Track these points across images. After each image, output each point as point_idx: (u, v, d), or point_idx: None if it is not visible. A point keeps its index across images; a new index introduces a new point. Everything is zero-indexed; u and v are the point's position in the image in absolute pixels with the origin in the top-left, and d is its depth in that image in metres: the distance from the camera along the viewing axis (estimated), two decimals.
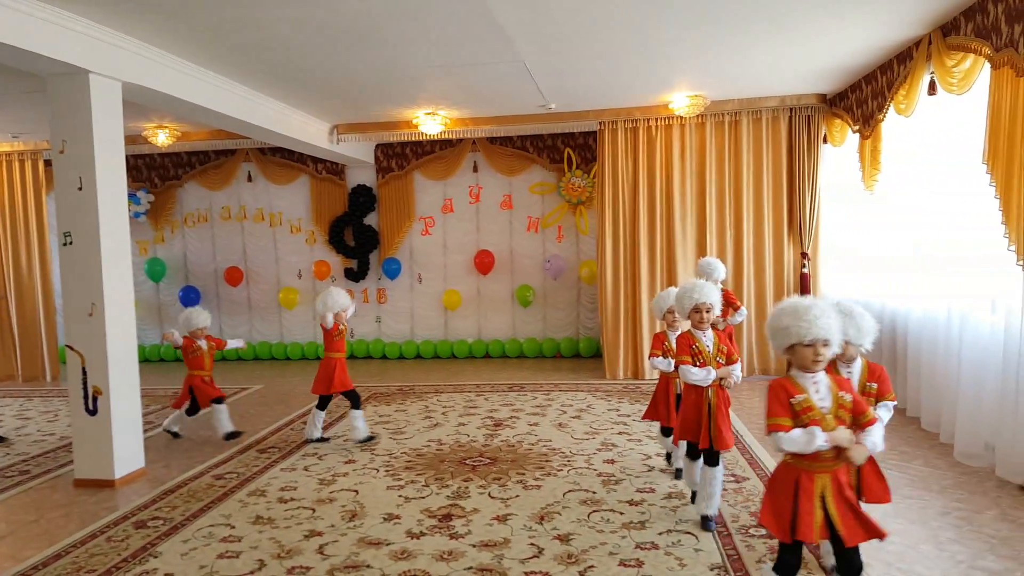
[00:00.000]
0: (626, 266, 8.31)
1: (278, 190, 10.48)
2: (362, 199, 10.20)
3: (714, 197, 8.14)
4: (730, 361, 3.92)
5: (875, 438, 2.63)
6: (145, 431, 5.70)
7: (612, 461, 5.17)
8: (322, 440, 5.91)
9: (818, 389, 2.65)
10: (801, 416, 2.61)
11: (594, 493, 4.53)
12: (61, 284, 5.14)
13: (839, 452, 2.60)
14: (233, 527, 4.17)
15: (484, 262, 9.91)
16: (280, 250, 10.60)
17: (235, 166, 10.43)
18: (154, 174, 10.54)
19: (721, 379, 3.86)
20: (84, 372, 5.00)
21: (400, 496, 4.58)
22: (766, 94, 7.70)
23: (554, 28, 5.24)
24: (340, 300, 5.72)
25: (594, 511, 4.23)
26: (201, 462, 5.50)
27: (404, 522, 4.15)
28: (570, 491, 4.58)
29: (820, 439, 2.55)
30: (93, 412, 4.99)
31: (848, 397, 2.67)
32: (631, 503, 4.35)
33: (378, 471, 5.11)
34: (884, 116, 6.15)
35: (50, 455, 5.87)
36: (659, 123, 8.12)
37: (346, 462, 5.35)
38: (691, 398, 3.96)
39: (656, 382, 4.95)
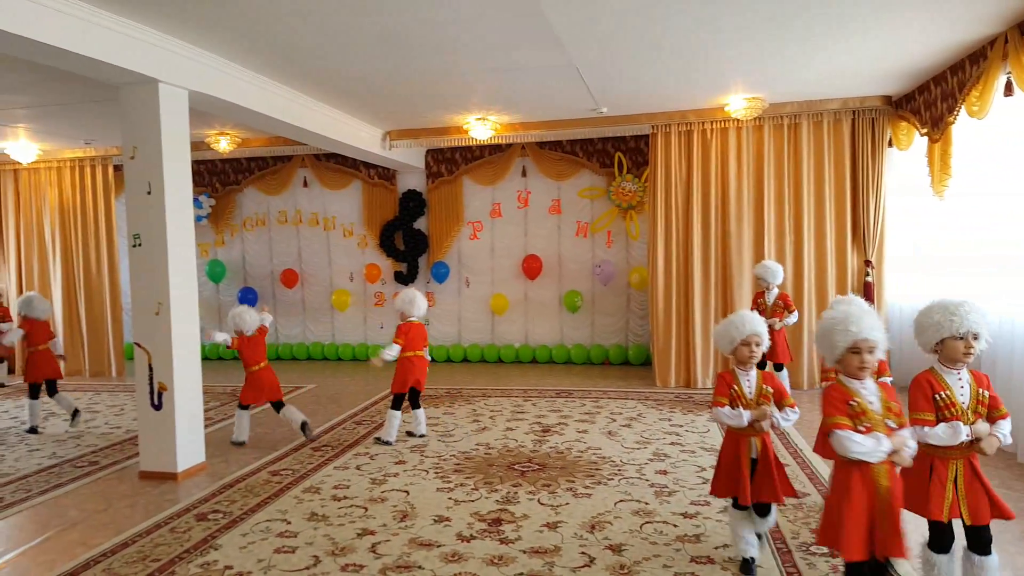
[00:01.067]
0: (679, 272, 8.20)
1: (332, 195, 10.70)
2: (412, 204, 10.34)
3: (772, 202, 7.97)
4: (901, 424, 2.72)
5: (1006, 431, 2.86)
6: (205, 426, 5.85)
7: (664, 472, 5.09)
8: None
9: (962, 385, 2.87)
10: (943, 411, 2.83)
11: (646, 504, 4.47)
12: (130, 284, 5.32)
13: (972, 441, 2.82)
14: (289, 523, 4.26)
15: (532, 267, 9.92)
16: (333, 253, 10.82)
17: (292, 172, 10.69)
18: (215, 179, 10.89)
19: (894, 453, 2.63)
20: (150, 368, 5.18)
21: (450, 499, 4.61)
22: (827, 96, 7.50)
23: (607, 32, 5.22)
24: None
25: (647, 522, 4.17)
26: (257, 458, 5.63)
27: (454, 525, 4.17)
28: (621, 501, 4.53)
29: (963, 434, 2.79)
30: (158, 407, 5.17)
31: (987, 393, 2.87)
32: (685, 516, 4.27)
33: (428, 473, 5.16)
34: (955, 118, 5.94)
35: (117, 447, 6.10)
36: (714, 126, 7.99)
37: (396, 462, 5.42)
38: (851, 482, 2.66)
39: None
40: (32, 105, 6.99)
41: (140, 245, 5.20)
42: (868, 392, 2.72)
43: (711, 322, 8.10)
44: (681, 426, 6.37)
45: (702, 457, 5.41)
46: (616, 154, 9.50)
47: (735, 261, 8.01)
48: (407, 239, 10.36)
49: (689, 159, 8.12)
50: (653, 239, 8.26)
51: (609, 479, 4.94)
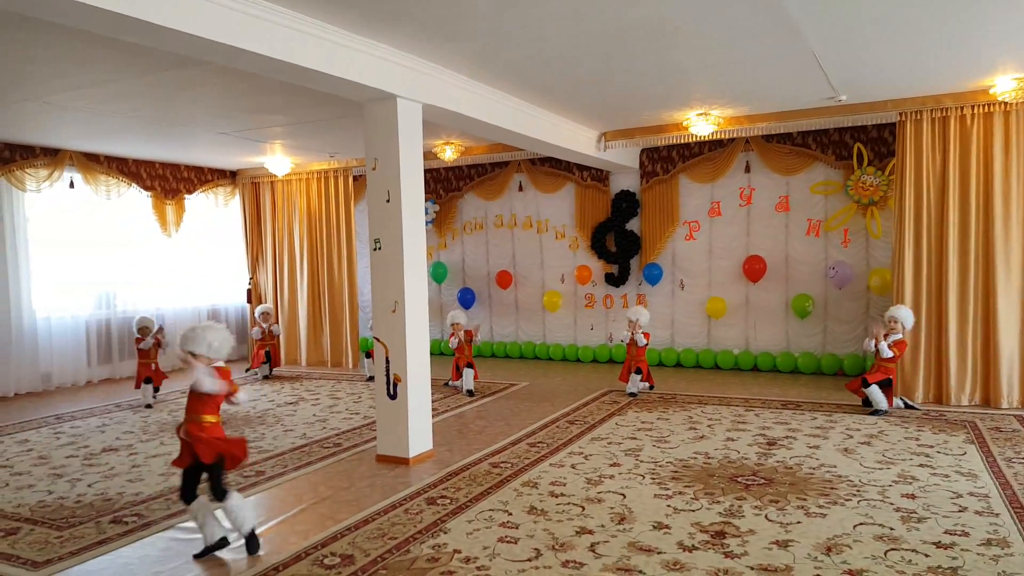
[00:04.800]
0: (930, 277, 7.22)
1: (545, 198, 10.96)
2: (624, 204, 10.25)
3: None
4: None
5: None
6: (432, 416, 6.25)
7: (912, 496, 4.51)
8: None
9: None
10: None
11: (891, 529, 4.00)
12: (371, 284, 5.81)
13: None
14: (510, 514, 4.40)
15: (754, 268, 9.35)
16: (545, 255, 11.07)
17: (508, 177, 11.14)
18: (439, 186, 11.68)
19: None
20: (387, 361, 5.65)
21: (669, 506, 4.47)
22: None
23: (851, 14, 4.74)
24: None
25: (892, 549, 3.73)
26: (479, 449, 5.91)
27: (674, 533, 4.04)
28: (861, 524, 4.09)
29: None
30: (393, 396, 5.63)
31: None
32: (938, 545, 3.76)
33: (644, 478, 5.05)
34: None
35: (356, 431, 6.74)
36: (976, 111, 6.93)
37: (611, 464, 5.37)
38: None
39: None
40: (287, 123, 7.97)
41: (380, 249, 5.68)
42: None
43: (968, 333, 7.06)
44: (931, 447, 5.61)
45: (957, 482, 4.73)
46: (855, 145, 8.62)
47: (1000, 268, 6.88)
48: (619, 240, 10.30)
49: (944, 149, 7.13)
50: (900, 239, 7.36)
51: (846, 499, 4.48)
